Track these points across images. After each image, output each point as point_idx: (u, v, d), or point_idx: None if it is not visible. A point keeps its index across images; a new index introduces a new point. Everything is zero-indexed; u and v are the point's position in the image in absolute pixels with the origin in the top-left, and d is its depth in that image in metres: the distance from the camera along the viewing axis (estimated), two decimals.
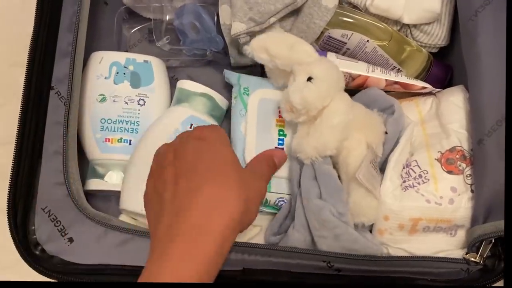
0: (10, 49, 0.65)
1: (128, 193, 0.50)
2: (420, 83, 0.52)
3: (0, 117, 0.61)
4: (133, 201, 0.49)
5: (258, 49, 0.48)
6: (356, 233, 0.46)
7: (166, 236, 0.35)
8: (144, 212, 0.40)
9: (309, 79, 0.46)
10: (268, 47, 0.48)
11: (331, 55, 0.53)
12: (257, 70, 0.57)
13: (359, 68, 0.52)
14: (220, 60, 0.59)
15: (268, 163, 0.46)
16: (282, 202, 0.51)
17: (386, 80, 0.52)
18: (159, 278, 0.32)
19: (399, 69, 0.54)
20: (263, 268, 0.45)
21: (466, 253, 0.46)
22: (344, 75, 0.51)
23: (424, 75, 0.55)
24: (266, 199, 0.51)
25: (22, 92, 0.49)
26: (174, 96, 0.56)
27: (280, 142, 0.52)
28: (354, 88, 0.53)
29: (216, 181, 0.36)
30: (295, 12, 0.53)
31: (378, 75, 0.52)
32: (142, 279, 0.33)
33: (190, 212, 0.35)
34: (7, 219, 0.46)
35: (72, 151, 0.48)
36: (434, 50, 0.57)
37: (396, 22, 0.54)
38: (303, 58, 0.47)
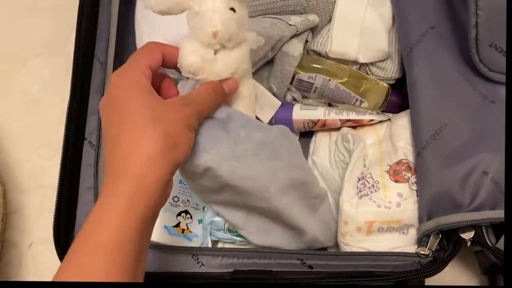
0: (57, 112, 0.81)
1: None
2: (368, 117, 0.64)
3: (53, 166, 0.76)
4: None
5: None
6: None
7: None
8: None
9: None
10: None
11: (297, 107, 0.66)
12: None
13: (318, 114, 0.64)
14: None
15: (211, 89, 0.45)
16: None
17: (340, 119, 0.64)
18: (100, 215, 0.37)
19: (361, 100, 0.64)
20: (249, 269, 0.56)
21: (417, 248, 0.55)
22: (308, 122, 0.65)
23: (384, 103, 0.65)
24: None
25: (62, 143, 0.63)
26: None
27: None
28: (318, 129, 0.66)
29: (129, 128, 0.39)
30: (270, 62, 0.65)
31: (333, 117, 0.64)
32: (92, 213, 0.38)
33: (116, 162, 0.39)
34: (53, 243, 0.58)
35: (101, 186, 0.61)
36: (392, 82, 0.66)
37: (355, 62, 0.65)
38: None
